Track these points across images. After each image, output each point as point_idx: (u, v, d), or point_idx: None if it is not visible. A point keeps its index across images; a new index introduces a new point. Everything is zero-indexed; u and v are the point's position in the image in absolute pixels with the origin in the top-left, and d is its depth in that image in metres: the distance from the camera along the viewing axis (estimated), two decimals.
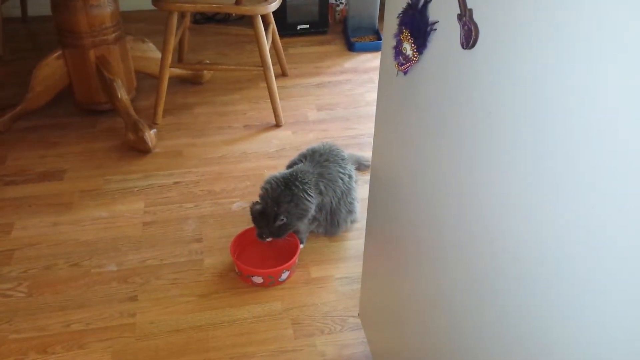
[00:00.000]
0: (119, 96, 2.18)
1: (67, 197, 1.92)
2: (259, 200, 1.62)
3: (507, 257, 0.69)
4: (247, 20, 2.74)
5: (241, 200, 1.91)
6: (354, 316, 1.52)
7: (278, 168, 1.93)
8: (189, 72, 2.55)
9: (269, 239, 1.62)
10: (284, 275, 1.60)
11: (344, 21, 3.17)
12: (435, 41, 0.82)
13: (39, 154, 2.13)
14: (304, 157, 1.72)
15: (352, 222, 1.80)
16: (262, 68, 2.24)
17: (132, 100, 2.31)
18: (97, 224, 1.81)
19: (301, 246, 1.69)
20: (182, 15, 2.47)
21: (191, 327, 1.48)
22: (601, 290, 0.54)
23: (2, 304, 1.53)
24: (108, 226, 1.80)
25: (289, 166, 1.73)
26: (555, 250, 0.59)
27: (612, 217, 0.51)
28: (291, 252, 1.63)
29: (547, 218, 0.60)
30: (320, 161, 1.69)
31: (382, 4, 3.07)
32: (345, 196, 1.70)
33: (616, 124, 0.49)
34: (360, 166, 1.99)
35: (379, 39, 2.98)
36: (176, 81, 2.57)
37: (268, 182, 1.61)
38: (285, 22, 3.01)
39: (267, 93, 2.30)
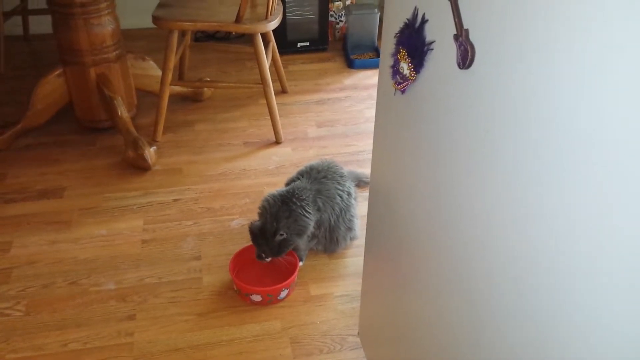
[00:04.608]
0: (119, 114, 2.19)
1: (67, 214, 1.92)
2: (257, 219, 1.62)
3: (506, 273, 0.68)
4: (247, 38, 2.76)
5: (240, 218, 1.91)
6: (353, 335, 1.51)
7: (278, 185, 1.93)
8: (190, 89, 2.56)
9: (268, 259, 1.61)
10: (283, 294, 1.60)
11: (343, 38, 3.19)
12: (432, 61, 0.82)
13: (39, 172, 2.13)
14: (302, 174, 1.72)
15: (352, 239, 1.79)
16: (262, 85, 2.25)
17: (133, 118, 2.32)
18: (96, 242, 1.80)
19: (300, 264, 1.68)
20: (182, 34, 2.49)
21: (189, 346, 1.46)
22: (601, 315, 0.53)
23: None
24: (107, 244, 1.79)
25: (287, 184, 1.73)
26: (556, 267, 0.59)
27: (609, 241, 0.50)
28: (290, 270, 1.63)
29: (546, 235, 0.60)
30: (318, 178, 1.69)
31: (382, 22, 3.09)
32: (344, 213, 1.69)
33: (615, 141, 0.49)
34: (360, 183, 1.98)
35: (379, 56, 2.99)
36: (177, 99, 2.58)
37: (266, 199, 1.61)
38: (285, 40, 3.03)
39: (267, 110, 2.31)
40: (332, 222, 1.67)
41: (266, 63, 2.23)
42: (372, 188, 1.21)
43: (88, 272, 1.69)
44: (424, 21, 0.82)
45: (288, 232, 1.57)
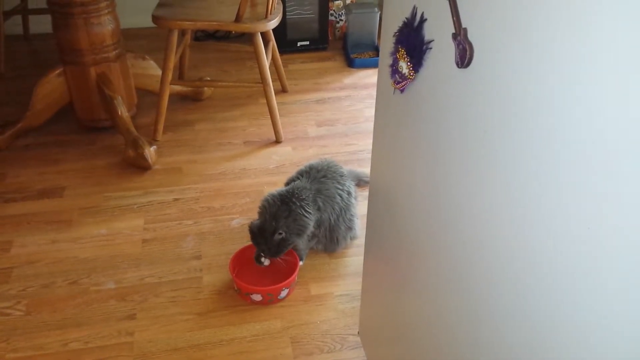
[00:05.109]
0: (120, 113, 2.18)
1: (67, 214, 1.92)
2: (257, 219, 1.62)
3: (505, 273, 0.68)
4: (247, 37, 2.76)
5: (240, 217, 1.91)
6: (353, 334, 1.51)
7: (278, 184, 1.93)
8: (190, 88, 2.56)
9: (266, 263, 1.62)
10: (283, 293, 1.60)
11: (343, 37, 3.19)
12: (431, 60, 0.82)
13: (39, 171, 2.13)
14: (301, 174, 1.72)
15: (352, 238, 1.79)
16: (262, 84, 2.25)
17: (133, 117, 2.32)
18: (96, 242, 1.80)
19: (300, 263, 1.68)
20: (182, 33, 2.49)
21: (190, 345, 1.47)
22: (601, 315, 0.53)
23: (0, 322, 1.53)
24: (107, 243, 1.79)
25: (287, 183, 1.73)
26: (555, 267, 0.59)
27: (608, 241, 0.50)
28: (290, 269, 1.63)
29: (545, 234, 0.59)
30: (318, 177, 1.68)
31: (382, 21, 3.08)
32: (344, 212, 1.69)
33: (613, 141, 0.48)
34: (360, 182, 1.98)
35: (379, 55, 2.99)
36: (177, 98, 2.58)
37: (265, 199, 1.61)
38: (285, 39, 3.03)
39: (267, 109, 2.31)
40: (332, 221, 1.67)
41: (266, 62, 2.23)
42: (372, 187, 1.21)
43: (88, 271, 1.69)
44: (422, 20, 0.82)
45: (287, 231, 1.57)
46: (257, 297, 1.57)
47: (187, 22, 2.11)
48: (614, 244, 0.50)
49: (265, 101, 2.30)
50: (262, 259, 1.64)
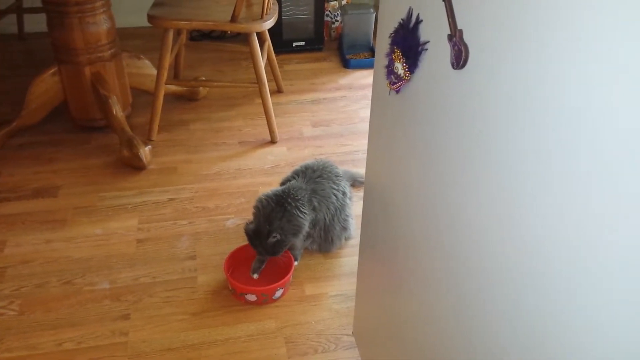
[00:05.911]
0: (114, 113, 2.18)
1: (61, 213, 1.91)
2: (252, 220, 1.62)
3: (500, 273, 0.69)
4: (243, 37, 2.76)
5: (235, 217, 1.91)
6: (348, 334, 1.51)
7: (273, 184, 1.93)
8: (185, 88, 2.56)
9: (255, 277, 1.63)
10: (278, 293, 1.60)
11: (339, 38, 3.19)
12: (427, 61, 0.82)
13: (34, 171, 2.12)
14: (297, 173, 1.72)
15: (347, 238, 1.79)
16: (257, 85, 2.25)
17: (128, 117, 2.31)
18: (91, 241, 1.80)
19: (295, 263, 1.68)
20: (178, 33, 2.49)
21: (184, 345, 1.46)
22: (598, 317, 0.53)
23: None
24: (101, 243, 1.79)
25: (282, 183, 1.73)
26: (551, 267, 0.59)
27: (605, 241, 0.51)
28: (285, 269, 1.63)
29: (541, 234, 0.60)
30: (313, 177, 1.69)
31: (378, 22, 3.08)
32: (339, 212, 1.70)
33: (610, 141, 0.49)
34: (355, 182, 1.99)
35: (374, 56, 3.00)
36: (172, 98, 2.58)
37: (259, 200, 1.61)
38: (281, 39, 3.03)
39: (262, 109, 2.31)
40: (327, 221, 1.68)
41: (262, 62, 2.23)
42: (367, 187, 1.21)
43: (82, 271, 1.68)
44: (418, 21, 0.83)
45: (282, 232, 1.57)
46: (252, 297, 1.57)
47: (183, 22, 2.11)
48: (610, 244, 0.50)
49: (260, 101, 2.30)
50: (254, 274, 1.64)
